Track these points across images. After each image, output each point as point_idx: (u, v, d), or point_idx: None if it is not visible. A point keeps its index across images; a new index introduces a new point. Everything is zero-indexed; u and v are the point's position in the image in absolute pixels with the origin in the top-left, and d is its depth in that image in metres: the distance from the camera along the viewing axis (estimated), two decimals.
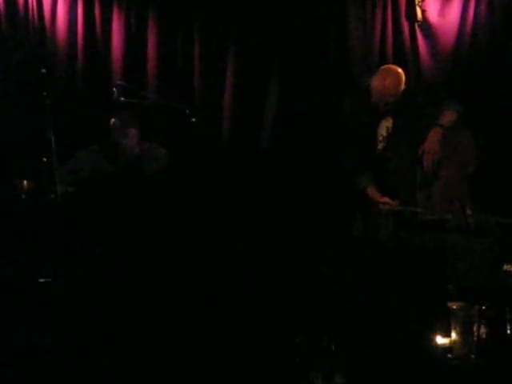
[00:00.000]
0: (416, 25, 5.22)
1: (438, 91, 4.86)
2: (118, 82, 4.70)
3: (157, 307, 3.80)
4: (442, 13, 5.21)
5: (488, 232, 4.23)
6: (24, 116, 5.08)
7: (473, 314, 3.46)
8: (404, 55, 5.25)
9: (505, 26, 5.06)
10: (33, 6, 5.33)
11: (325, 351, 3.55)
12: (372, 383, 3.43)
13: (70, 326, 3.68)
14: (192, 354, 3.63)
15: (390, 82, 4.50)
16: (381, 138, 4.54)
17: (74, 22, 5.40)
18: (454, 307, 3.48)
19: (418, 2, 5.19)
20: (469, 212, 4.25)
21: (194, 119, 4.50)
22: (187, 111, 4.53)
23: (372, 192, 4.53)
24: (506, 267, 3.89)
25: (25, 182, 4.25)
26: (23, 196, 4.25)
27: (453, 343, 3.45)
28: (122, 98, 4.52)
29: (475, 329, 3.44)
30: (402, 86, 4.52)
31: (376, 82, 4.54)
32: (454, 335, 3.45)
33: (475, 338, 3.43)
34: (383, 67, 4.69)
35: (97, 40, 5.45)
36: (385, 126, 4.54)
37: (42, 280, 3.86)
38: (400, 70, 4.56)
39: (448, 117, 4.40)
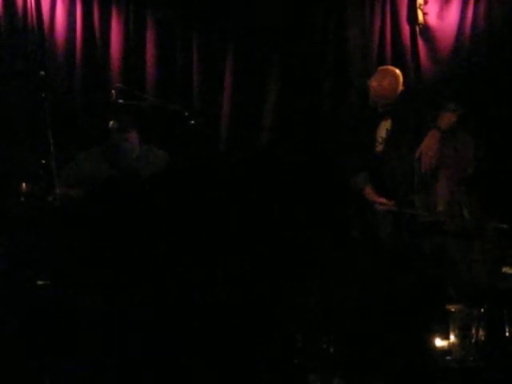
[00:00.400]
0: (417, 28, 5.22)
1: (437, 93, 4.87)
2: (117, 85, 4.71)
3: (155, 309, 3.80)
4: (440, 15, 5.21)
5: (486, 234, 4.24)
6: (23, 118, 5.09)
7: (471, 316, 3.46)
8: (403, 57, 5.25)
9: (503, 28, 5.07)
10: (31, 8, 5.32)
11: (324, 354, 3.55)
12: None
13: (70, 327, 3.68)
14: (190, 356, 3.63)
15: (387, 82, 4.51)
16: (380, 140, 4.54)
17: (73, 24, 5.39)
18: (453, 310, 3.49)
19: (420, 5, 5.19)
20: (467, 214, 4.26)
21: (192, 121, 4.51)
22: (186, 113, 4.53)
23: (369, 193, 4.53)
24: (504, 269, 3.90)
25: (24, 184, 4.25)
26: (22, 199, 4.25)
27: (451, 346, 3.45)
28: (121, 101, 4.52)
29: (474, 331, 3.44)
30: (400, 87, 4.53)
31: (374, 83, 4.55)
32: (452, 338, 3.45)
33: (474, 341, 3.44)
34: (381, 68, 4.71)
35: (96, 42, 5.44)
36: (384, 128, 4.55)
37: (40, 282, 3.86)
38: (398, 71, 4.57)
39: (446, 119, 4.39)
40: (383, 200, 4.46)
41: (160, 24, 5.49)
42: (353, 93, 5.28)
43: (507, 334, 3.49)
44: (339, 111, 5.36)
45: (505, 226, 4.17)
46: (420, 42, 5.24)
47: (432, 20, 5.22)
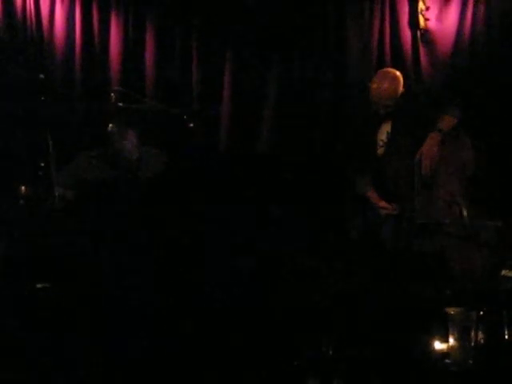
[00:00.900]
0: (418, 33, 5.22)
1: (437, 95, 4.86)
2: (116, 88, 4.71)
3: (155, 311, 3.81)
4: (440, 18, 5.21)
5: (486, 236, 4.24)
6: (22, 122, 5.09)
7: (470, 319, 3.45)
8: (402, 59, 5.25)
9: (502, 31, 5.06)
10: (30, 10, 5.34)
11: (323, 356, 3.54)
12: None
13: (70, 328, 3.68)
14: (190, 357, 3.63)
15: (388, 84, 4.51)
16: (381, 143, 4.54)
17: (72, 27, 5.41)
18: (452, 312, 3.47)
19: (421, 10, 5.19)
20: (467, 216, 4.25)
21: (191, 124, 4.51)
22: (185, 116, 4.53)
23: (372, 196, 4.54)
24: (503, 272, 3.89)
25: (23, 187, 4.25)
26: (21, 202, 4.25)
27: (450, 349, 3.43)
28: (120, 103, 4.52)
29: (473, 334, 3.43)
30: (401, 89, 4.53)
31: (374, 85, 4.55)
32: (451, 341, 3.43)
33: (473, 344, 3.42)
34: (381, 70, 4.72)
35: (95, 45, 5.46)
36: (385, 131, 4.55)
37: (40, 286, 3.86)
38: (398, 73, 4.57)
39: (447, 121, 4.40)
40: (385, 204, 4.47)
41: (159, 26, 5.50)
42: (353, 96, 5.28)
43: (506, 336, 3.48)
44: (339, 114, 5.36)
45: (505, 226, 4.16)
46: (420, 44, 5.23)
47: (431, 23, 5.21)
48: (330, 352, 3.54)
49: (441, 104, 4.47)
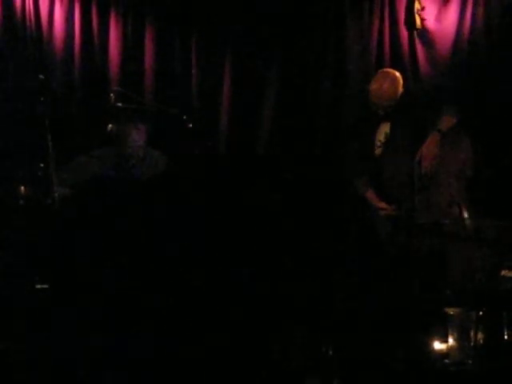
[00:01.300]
0: (415, 33, 5.22)
1: (436, 96, 4.86)
2: (115, 88, 4.71)
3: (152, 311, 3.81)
4: (438, 18, 5.20)
5: (486, 236, 4.23)
6: (21, 121, 5.09)
7: (470, 319, 3.45)
8: (401, 60, 5.25)
9: (502, 31, 5.06)
10: (30, 12, 5.33)
11: (323, 356, 3.54)
12: None
13: (70, 328, 3.68)
14: (188, 358, 3.63)
15: (387, 85, 4.51)
16: (379, 144, 4.54)
17: (72, 28, 5.40)
18: (451, 313, 3.48)
19: (418, 10, 5.18)
20: (467, 216, 4.25)
21: (191, 125, 4.51)
22: (184, 117, 4.53)
23: (370, 196, 4.54)
24: (503, 272, 3.89)
25: (22, 187, 4.25)
26: (21, 202, 4.25)
27: (450, 349, 3.44)
28: (119, 104, 4.52)
29: (472, 334, 3.43)
30: (400, 90, 4.53)
31: (374, 86, 4.54)
32: (451, 341, 3.44)
33: (472, 344, 3.43)
34: (380, 71, 4.71)
35: (94, 46, 5.45)
36: (383, 132, 4.55)
37: (39, 286, 3.86)
38: (397, 74, 4.57)
39: (446, 121, 4.40)
40: (384, 204, 4.47)
41: (158, 26, 5.49)
42: (352, 96, 5.28)
43: (506, 336, 3.49)
44: (338, 114, 5.36)
45: (504, 226, 4.16)
46: (418, 44, 5.23)
47: (430, 23, 5.20)
48: (330, 352, 3.54)
49: (440, 104, 4.47)
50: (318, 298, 3.90)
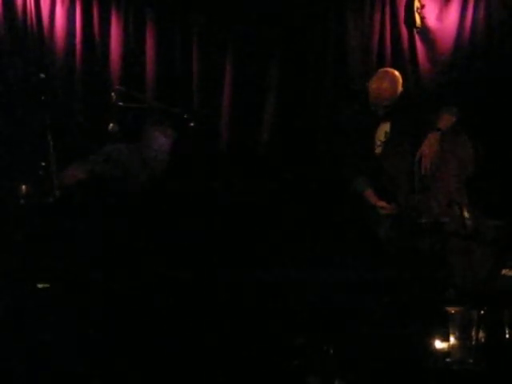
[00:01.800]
0: (415, 31, 5.22)
1: (437, 95, 4.87)
2: (117, 87, 4.71)
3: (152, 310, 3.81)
4: (440, 17, 5.21)
5: (486, 236, 4.24)
6: (22, 120, 5.09)
7: (471, 318, 3.45)
8: (402, 59, 5.25)
9: (503, 30, 5.07)
10: (31, 11, 5.32)
11: (324, 355, 3.55)
12: None
13: (70, 327, 3.68)
14: (190, 356, 3.63)
15: (387, 84, 4.51)
16: (379, 143, 4.54)
17: (73, 26, 5.39)
18: (453, 311, 3.48)
19: (417, 8, 5.19)
20: (467, 215, 4.26)
21: (192, 123, 4.50)
22: (185, 115, 4.52)
23: (370, 195, 4.54)
24: (504, 271, 3.90)
25: (23, 186, 4.25)
26: (22, 201, 4.25)
27: (451, 348, 3.44)
28: (121, 103, 4.51)
29: (474, 333, 3.43)
30: (400, 89, 4.54)
31: (373, 85, 4.55)
32: (452, 340, 3.44)
33: (474, 343, 3.42)
34: (380, 70, 4.71)
35: (95, 44, 5.44)
36: (383, 131, 4.55)
37: (40, 285, 3.86)
38: (397, 73, 4.58)
39: (446, 121, 4.41)
40: (383, 203, 4.47)
41: (159, 25, 5.49)
42: (352, 95, 5.28)
43: (507, 335, 3.49)
44: (338, 113, 5.36)
45: (504, 226, 4.17)
46: (419, 43, 5.24)
47: (431, 22, 5.22)
48: (331, 352, 3.54)
49: (440, 103, 4.48)
50: (318, 298, 3.90)
